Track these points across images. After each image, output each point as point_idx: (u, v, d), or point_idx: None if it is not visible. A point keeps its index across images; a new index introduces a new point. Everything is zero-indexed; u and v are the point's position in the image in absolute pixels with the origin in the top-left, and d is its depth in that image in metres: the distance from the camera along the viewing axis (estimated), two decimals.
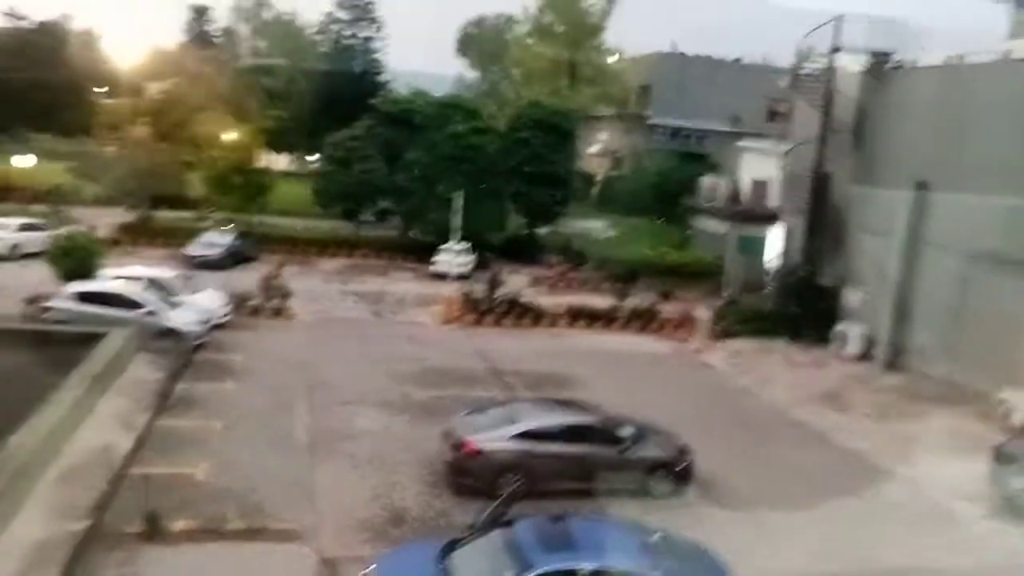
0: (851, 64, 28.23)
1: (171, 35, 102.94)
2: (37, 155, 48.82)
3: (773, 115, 48.78)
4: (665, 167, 52.43)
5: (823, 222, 28.99)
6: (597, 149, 65.00)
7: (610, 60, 62.23)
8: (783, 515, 14.84)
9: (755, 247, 33.64)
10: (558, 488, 14.53)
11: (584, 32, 59.99)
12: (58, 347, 18.40)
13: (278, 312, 27.05)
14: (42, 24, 69.08)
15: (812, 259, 29.08)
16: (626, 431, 15.59)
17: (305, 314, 27.65)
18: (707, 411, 20.67)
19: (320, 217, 43.72)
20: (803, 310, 28.25)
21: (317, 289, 32.01)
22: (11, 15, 69.27)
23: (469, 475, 14.65)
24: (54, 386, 15.45)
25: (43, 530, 11.70)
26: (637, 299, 30.46)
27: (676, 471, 15.32)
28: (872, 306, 26.47)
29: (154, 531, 12.23)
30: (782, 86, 34.23)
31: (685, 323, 29.15)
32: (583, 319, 29.00)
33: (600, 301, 30.48)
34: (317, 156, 49.26)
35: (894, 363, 25.29)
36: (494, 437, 14.74)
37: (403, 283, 35.26)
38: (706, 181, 41.30)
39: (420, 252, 38.61)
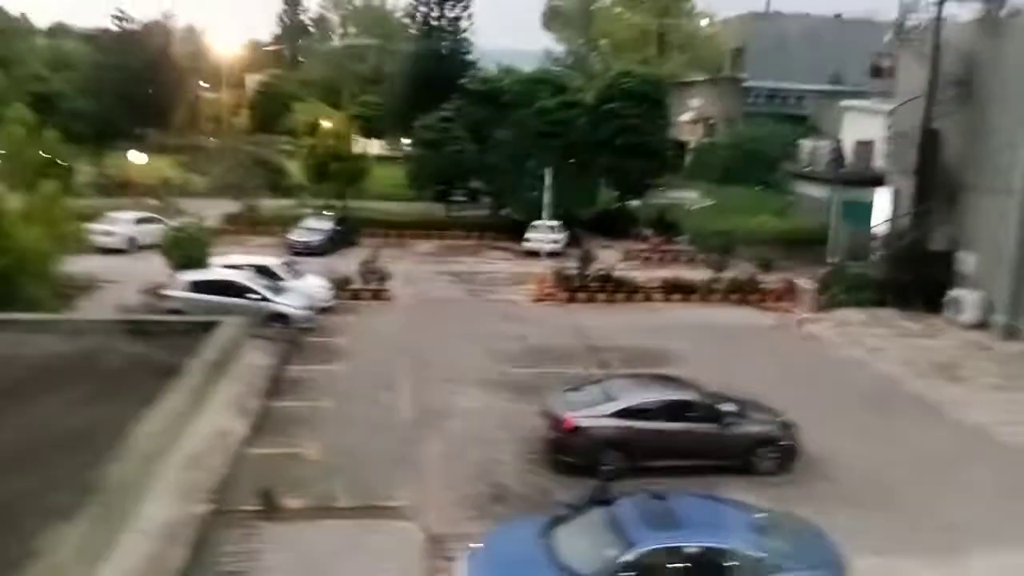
0: (961, 14, 26.59)
1: (265, 26, 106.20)
2: (148, 150, 51.47)
3: (877, 72, 46.30)
4: (762, 131, 50.72)
5: (933, 183, 27.45)
6: (690, 116, 63.43)
7: (701, 24, 60.51)
8: (901, 494, 14.28)
9: (860, 212, 32.19)
10: (658, 465, 14.44)
11: None
12: (176, 336, 19.39)
13: (377, 295, 27.75)
14: (147, 24, 72.51)
15: (922, 222, 27.62)
16: (727, 407, 15.33)
17: (403, 296, 28.28)
18: (813, 385, 20.06)
19: (413, 200, 44.47)
20: (913, 277, 26.92)
21: (413, 271, 32.64)
22: (119, 17, 73.01)
23: (568, 452, 14.74)
24: (174, 374, 16.32)
25: (171, 511, 12.44)
26: (736, 270, 29.71)
27: (780, 448, 14.99)
28: (988, 270, 25.03)
29: (270, 509, 12.85)
30: (887, 40, 32.48)
31: (788, 294, 28.27)
32: (679, 293, 28.51)
33: (696, 274, 29.90)
34: (409, 139, 49.98)
35: (1014, 330, 23.89)
36: (593, 414, 14.76)
37: (496, 262, 35.55)
38: (806, 144, 39.75)
39: (511, 231, 38.78)
